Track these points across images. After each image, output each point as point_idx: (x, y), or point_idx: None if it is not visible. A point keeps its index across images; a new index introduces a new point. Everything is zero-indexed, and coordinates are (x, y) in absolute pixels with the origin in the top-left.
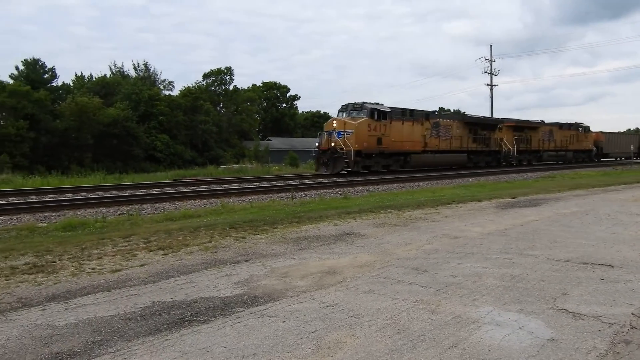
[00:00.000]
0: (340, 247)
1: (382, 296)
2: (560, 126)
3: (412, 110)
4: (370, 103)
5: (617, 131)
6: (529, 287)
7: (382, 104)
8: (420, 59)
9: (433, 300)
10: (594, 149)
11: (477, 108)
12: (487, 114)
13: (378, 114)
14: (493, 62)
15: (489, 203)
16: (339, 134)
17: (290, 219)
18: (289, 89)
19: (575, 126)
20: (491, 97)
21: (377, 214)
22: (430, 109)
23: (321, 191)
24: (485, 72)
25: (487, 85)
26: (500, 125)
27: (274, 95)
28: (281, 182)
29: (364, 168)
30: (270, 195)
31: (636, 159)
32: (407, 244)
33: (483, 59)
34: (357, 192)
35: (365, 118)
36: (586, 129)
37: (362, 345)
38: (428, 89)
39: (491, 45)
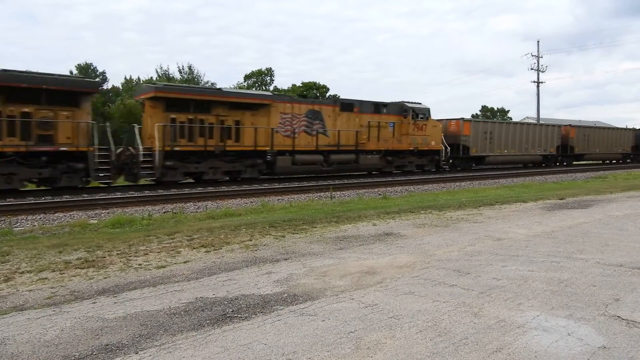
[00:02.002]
0: (379, 247)
1: (422, 298)
2: (345, 106)
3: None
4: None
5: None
6: (579, 292)
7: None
8: (465, 56)
9: (476, 304)
10: (445, 149)
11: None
12: (533, 113)
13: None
14: (540, 58)
15: (535, 204)
16: None
17: (329, 219)
18: (328, 89)
19: (397, 108)
20: (538, 94)
21: (417, 214)
22: (474, 107)
23: (360, 191)
24: (532, 69)
25: (534, 82)
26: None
27: (313, 95)
28: (320, 182)
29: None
30: (309, 194)
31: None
32: (448, 245)
33: (530, 55)
34: (396, 192)
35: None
36: (422, 112)
37: (402, 347)
38: (473, 86)
39: (538, 41)
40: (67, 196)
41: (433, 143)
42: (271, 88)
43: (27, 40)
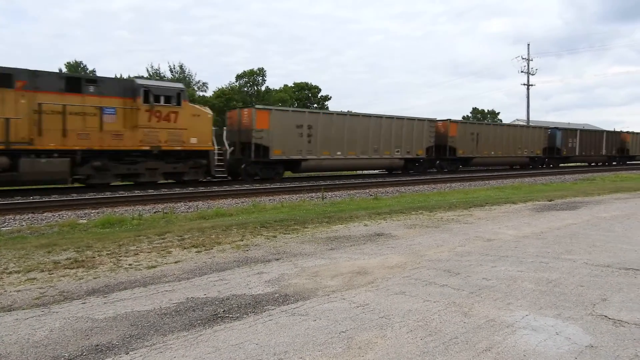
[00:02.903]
0: (370, 247)
1: (413, 298)
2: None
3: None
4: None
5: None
6: (567, 292)
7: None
8: (457, 58)
9: (466, 303)
10: (222, 150)
11: (513, 108)
12: (523, 115)
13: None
14: (531, 61)
15: (524, 205)
16: None
17: (321, 219)
18: (320, 89)
19: (117, 87)
20: (528, 97)
21: (407, 215)
22: (465, 109)
23: (351, 191)
24: (522, 72)
25: (524, 84)
26: None
27: (305, 96)
28: (312, 182)
29: None
30: (301, 194)
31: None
32: (439, 246)
33: (520, 57)
34: (387, 192)
35: None
36: (168, 93)
37: (393, 346)
38: (464, 88)
39: (528, 44)
40: (56, 196)
41: (194, 140)
42: (262, 88)
43: (15, 36)
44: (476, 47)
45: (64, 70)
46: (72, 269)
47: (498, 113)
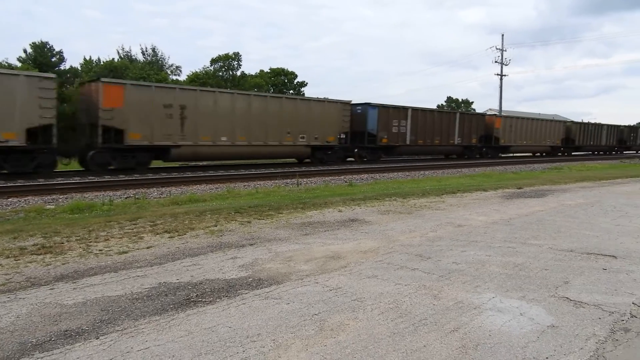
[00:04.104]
0: (344, 233)
1: (385, 281)
2: None
3: None
4: None
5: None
6: (532, 276)
7: None
8: (433, 47)
9: (435, 286)
10: None
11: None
12: (496, 105)
13: None
14: (504, 52)
15: (495, 193)
16: None
17: (295, 205)
18: (296, 75)
19: None
20: (500, 87)
21: (382, 201)
22: (440, 98)
23: (327, 178)
24: (496, 62)
25: (498, 75)
26: None
27: (281, 82)
28: (287, 169)
29: None
30: (276, 181)
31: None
32: (411, 231)
33: (494, 48)
34: (362, 179)
35: None
36: None
37: (365, 328)
38: (440, 77)
39: (502, 35)
40: (22, 181)
41: None
42: (238, 73)
43: None
44: (453, 36)
45: (29, 51)
46: (39, 254)
47: (472, 102)
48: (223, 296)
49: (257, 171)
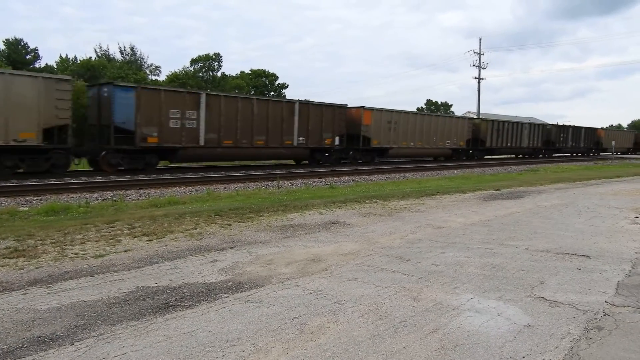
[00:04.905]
0: (325, 235)
1: (365, 283)
2: None
3: None
4: None
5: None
6: (509, 276)
7: None
8: (413, 49)
9: (415, 288)
10: None
11: (466, 100)
12: (474, 108)
13: None
14: (482, 55)
15: (473, 195)
16: None
17: (276, 207)
18: (277, 77)
19: None
20: (479, 90)
21: (362, 203)
22: (420, 101)
23: (307, 180)
24: (474, 65)
25: (476, 78)
26: None
27: (262, 83)
28: (268, 171)
29: None
30: (257, 183)
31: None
32: (392, 234)
33: (472, 51)
34: (343, 181)
35: None
36: None
37: (345, 331)
38: (420, 80)
39: (480, 38)
40: None
41: None
42: (219, 74)
43: None
44: (432, 39)
45: (2, 48)
46: (11, 258)
47: (451, 105)
48: (203, 300)
49: (238, 173)
